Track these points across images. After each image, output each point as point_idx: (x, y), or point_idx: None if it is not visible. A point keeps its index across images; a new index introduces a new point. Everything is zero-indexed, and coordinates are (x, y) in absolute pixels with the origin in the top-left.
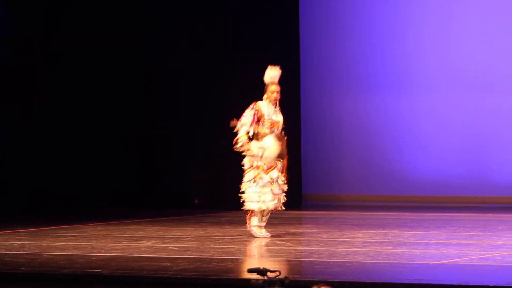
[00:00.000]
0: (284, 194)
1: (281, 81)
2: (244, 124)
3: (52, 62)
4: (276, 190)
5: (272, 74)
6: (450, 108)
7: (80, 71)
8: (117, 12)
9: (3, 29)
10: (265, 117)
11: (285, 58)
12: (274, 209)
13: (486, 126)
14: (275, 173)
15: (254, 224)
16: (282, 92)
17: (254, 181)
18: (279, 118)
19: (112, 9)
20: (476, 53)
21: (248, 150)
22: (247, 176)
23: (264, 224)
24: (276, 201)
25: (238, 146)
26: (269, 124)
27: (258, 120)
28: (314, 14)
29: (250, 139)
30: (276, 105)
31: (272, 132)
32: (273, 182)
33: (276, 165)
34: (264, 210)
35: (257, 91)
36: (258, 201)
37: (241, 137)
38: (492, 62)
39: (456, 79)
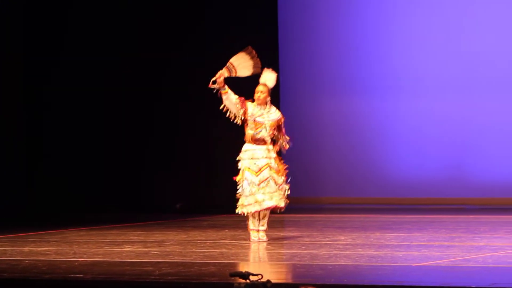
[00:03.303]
0: (270, 197)
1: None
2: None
3: (35, 66)
4: (254, 192)
5: (264, 76)
6: (430, 110)
7: (58, 74)
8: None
9: None
10: (249, 117)
11: (264, 58)
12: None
13: (466, 128)
14: (249, 175)
15: (250, 228)
16: None
17: (239, 184)
18: (265, 119)
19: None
20: (454, 56)
21: (220, 76)
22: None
23: (260, 228)
24: (256, 205)
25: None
26: (253, 125)
27: (243, 108)
28: (293, 13)
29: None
30: (266, 106)
31: (257, 133)
32: (250, 183)
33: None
34: (250, 213)
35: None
36: (241, 205)
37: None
38: (472, 64)
39: (436, 82)
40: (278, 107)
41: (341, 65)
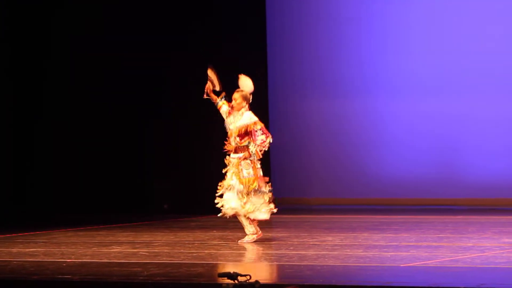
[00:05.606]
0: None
1: None
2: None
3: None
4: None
5: (240, 82)
6: (419, 110)
7: (47, 77)
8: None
9: None
10: (226, 126)
11: (252, 63)
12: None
13: (455, 128)
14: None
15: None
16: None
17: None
18: (236, 125)
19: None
20: (445, 57)
21: (207, 88)
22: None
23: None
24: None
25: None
26: (228, 133)
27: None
28: (281, 12)
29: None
30: (239, 112)
31: (232, 141)
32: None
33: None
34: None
35: (228, 98)
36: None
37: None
38: (462, 66)
39: (425, 82)
40: (266, 109)
41: (330, 66)
